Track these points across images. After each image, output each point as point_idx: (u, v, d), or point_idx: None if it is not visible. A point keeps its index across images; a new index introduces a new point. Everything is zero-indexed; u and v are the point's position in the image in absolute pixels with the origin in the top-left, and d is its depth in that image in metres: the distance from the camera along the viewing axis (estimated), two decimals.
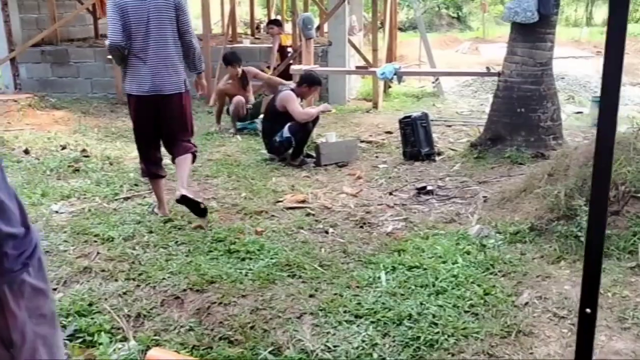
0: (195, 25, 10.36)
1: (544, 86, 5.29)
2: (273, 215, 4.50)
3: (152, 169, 4.40)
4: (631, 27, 20.21)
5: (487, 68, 5.62)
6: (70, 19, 9.83)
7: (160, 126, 4.29)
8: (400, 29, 19.25)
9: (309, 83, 5.86)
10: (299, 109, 5.69)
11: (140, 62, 4.10)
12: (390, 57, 10.60)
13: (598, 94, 9.14)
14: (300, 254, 3.74)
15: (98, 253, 3.82)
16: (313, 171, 5.66)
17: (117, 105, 8.91)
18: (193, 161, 4.43)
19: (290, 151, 5.85)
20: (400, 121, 5.85)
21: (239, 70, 7.26)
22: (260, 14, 16.71)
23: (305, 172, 5.63)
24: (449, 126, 7.49)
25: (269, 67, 9.00)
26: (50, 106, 8.55)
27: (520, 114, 5.34)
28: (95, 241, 4.00)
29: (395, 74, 5.95)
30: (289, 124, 5.73)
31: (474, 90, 10.18)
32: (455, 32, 21.61)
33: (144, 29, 4.05)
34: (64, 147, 6.34)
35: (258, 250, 3.79)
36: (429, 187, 4.89)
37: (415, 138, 5.71)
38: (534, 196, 4.18)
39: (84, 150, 6.16)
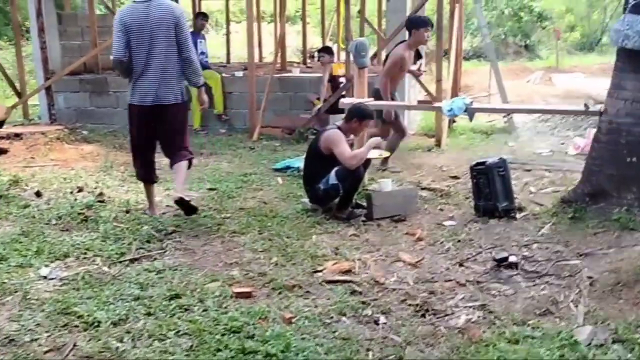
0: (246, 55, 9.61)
1: None
2: (308, 292, 3.51)
3: (145, 174, 4.84)
4: None
5: (586, 105, 4.48)
6: (109, 45, 9.24)
7: (159, 134, 4.68)
8: (464, 58, 18.13)
9: (360, 117, 4.88)
10: (348, 151, 4.70)
11: (142, 74, 4.47)
12: (455, 89, 9.52)
13: None
14: None
15: (75, 346, 2.91)
16: (363, 227, 4.64)
17: None
18: (189, 167, 4.79)
19: (337, 200, 4.87)
20: (472, 168, 4.77)
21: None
22: (316, 42, 15.98)
23: (354, 228, 4.62)
24: (528, 171, 6.31)
25: (318, 99, 8.10)
26: (81, 139, 7.90)
27: (630, 164, 4.16)
28: (77, 326, 3.10)
29: (465, 111, 4.89)
30: (336, 169, 4.75)
31: (551, 126, 8.95)
32: (523, 61, 20.27)
33: (146, 44, 4.41)
34: (80, 189, 5.56)
35: (282, 351, 2.80)
36: (511, 258, 3.78)
37: (491, 190, 4.61)
38: None
39: (100, 194, 5.36)
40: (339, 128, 4.90)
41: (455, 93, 9.57)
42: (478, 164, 4.74)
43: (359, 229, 4.60)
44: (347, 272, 3.77)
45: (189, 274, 3.75)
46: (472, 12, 19.77)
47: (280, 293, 3.49)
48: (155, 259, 4.02)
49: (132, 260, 3.97)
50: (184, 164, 4.67)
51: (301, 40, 11.34)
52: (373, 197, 4.86)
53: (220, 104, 8.65)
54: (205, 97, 4.89)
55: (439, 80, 7.53)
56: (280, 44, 9.28)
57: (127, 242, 4.25)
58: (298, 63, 11.24)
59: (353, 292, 3.49)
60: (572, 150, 7.29)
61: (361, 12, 8.88)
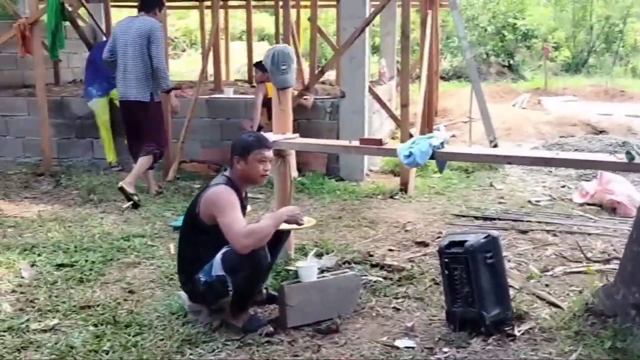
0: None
1: None
2: None
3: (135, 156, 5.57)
4: None
5: (629, 154, 2.70)
6: None
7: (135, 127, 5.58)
8: (443, 78, 16.51)
9: (240, 153, 3.07)
10: (239, 223, 2.86)
11: (120, 74, 5.44)
12: (429, 114, 7.81)
13: None
14: None
15: None
16: (264, 350, 2.81)
17: (41, 179, 6.30)
18: (155, 160, 5.58)
19: (229, 298, 3.04)
20: (443, 252, 2.96)
21: None
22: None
23: (247, 350, 2.79)
24: (523, 233, 4.55)
25: (252, 128, 6.30)
26: None
27: None
28: None
29: (432, 156, 3.11)
30: (223, 251, 2.94)
31: None
32: (506, 82, 18.75)
33: (123, 50, 5.36)
34: None
35: None
36: None
37: (473, 288, 2.82)
38: None
39: None
40: (228, 180, 3.08)
41: (428, 120, 7.86)
42: (452, 244, 2.94)
43: (255, 355, 2.76)
44: None
45: None
46: (453, 29, 18.30)
47: None
48: None
49: None
50: (144, 158, 5.42)
51: (253, 56, 9.55)
52: (287, 293, 3.05)
53: None
54: (175, 102, 5.67)
55: (404, 106, 5.78)
56: (215, 59, 7.49)
57: None
58: (244, 81, 9.45)
59: None
60: (578, 198, 5.55)
61: (312, 19, 7.18)
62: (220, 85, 7.54)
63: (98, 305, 3.29)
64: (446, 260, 2.92)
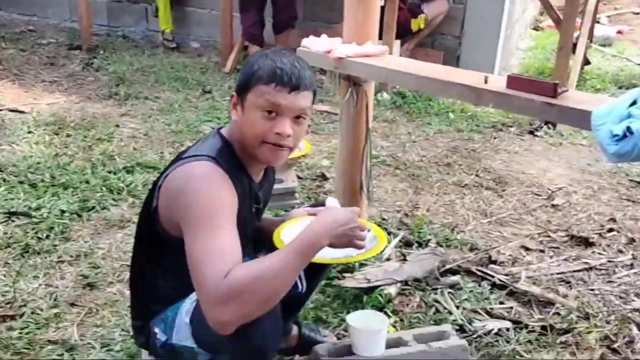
0: None
1: None
2: None
3: (251, 32, 4.62)
4: None
5: None
6: None
7: None
8: None
9: (237, 87, 1.47)
10: (219, 257, 1.27)
11: None
12: None
13: None
14: None
15: None
16: None
17: (74, 54, 4.99)
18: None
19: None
20: None
21: None
22: None
23: None
24: None
25: None
26: None
27: None
28: None
29: None
30: (195, 303, 1.42)
31: None
32: None
33: None
34: None
35: None
36: None
37: None
38: None
39: None
40: (224, 147, 1.47)
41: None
42: None
43: None
44: None
45: None
46: None
47: None
48: None
49: None
50: (282, 36, 4.69)
51: None
52: (321, 354, 1.55)
53: None
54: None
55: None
56: None
57: None
58: None
59: None
60: None
61: None
62: None
63: (23, 315, 1.98)
64: None
